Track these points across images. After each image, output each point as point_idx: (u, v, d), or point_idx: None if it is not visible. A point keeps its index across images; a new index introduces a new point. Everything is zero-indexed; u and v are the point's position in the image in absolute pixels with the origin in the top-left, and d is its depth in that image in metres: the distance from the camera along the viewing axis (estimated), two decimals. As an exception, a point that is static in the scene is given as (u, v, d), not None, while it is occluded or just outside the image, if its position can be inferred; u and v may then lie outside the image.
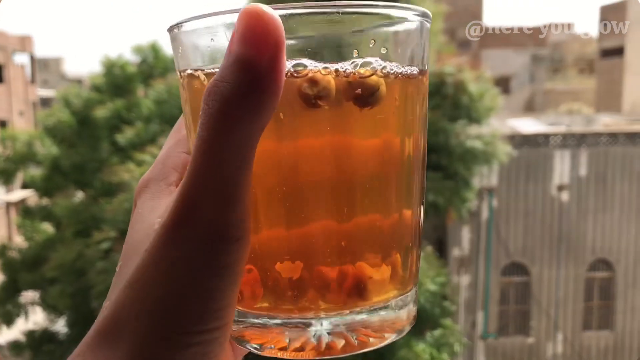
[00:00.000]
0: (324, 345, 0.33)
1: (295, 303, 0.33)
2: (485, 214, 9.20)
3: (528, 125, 10.52)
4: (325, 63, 0.31)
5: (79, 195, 8.72)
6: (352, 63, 0.31)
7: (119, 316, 0.32)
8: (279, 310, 0.34)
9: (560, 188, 9.32)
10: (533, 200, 9.33)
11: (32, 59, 21.48)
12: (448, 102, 6.55)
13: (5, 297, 8.25)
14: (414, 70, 0.34)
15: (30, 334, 8.27)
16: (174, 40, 0.35)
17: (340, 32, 0.31)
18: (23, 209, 9.30)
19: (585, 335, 9.73)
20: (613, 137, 9.39)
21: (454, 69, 6.59)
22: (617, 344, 9.77)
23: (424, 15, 0.34)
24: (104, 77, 8.80)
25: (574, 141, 9.35)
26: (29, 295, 8.57)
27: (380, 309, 0.35)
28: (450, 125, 6.52)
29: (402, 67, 0.33)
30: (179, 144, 0.40)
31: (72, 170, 8.36)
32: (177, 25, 0.34)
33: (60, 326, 8.59)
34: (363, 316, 0.34)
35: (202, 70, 0.33)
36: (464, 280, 9.35)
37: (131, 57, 9.01)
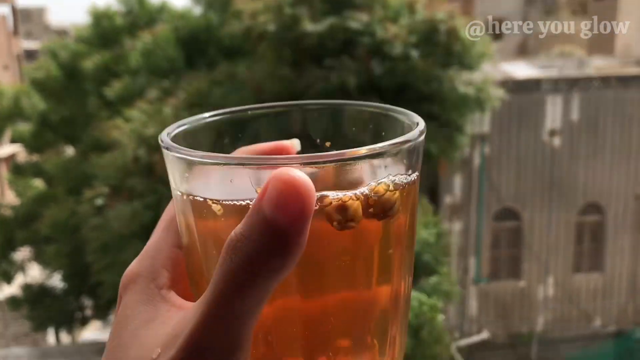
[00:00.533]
0: None
1: None
2: (477, 160, 9.22)
3: (520, 69, 10.43)
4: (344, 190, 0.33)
5: (69, 151, 8.66)
6: (368, 186, 0.33)
7: None
8: None
9: (552, 133, 9.32)
10: (525, 146, 9.34)
11: (14, 10, 20.95)
12: (440, 49, 6.46)
13: (0, 255, 8.29)
14: (416, 175, 0.37)
15: (27, 289, 8.36)
16: (175, 161, 0.35)
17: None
18: (13, 165, 9.24)
19: (575, 277, 9.92)
20: (605, 81, 9.33)
21: (445, 16, 6.47)
22: (607, 286, 9.98)
23: (424, 128, 0.37)
24: (91, 28, 8.60)
25: (566, 86, 9.29)
26: (24, 252, 8.61)
27: None
28: (442, 72, 6.45)
29: (408, 175, 0.36)
30: (169, 233, 0.39)
31: (60, 125, 8.27)
32: (183, 152, 0.34)
33: (57, 281, 8.67)
34: None
35: (218, 201, 0.33)
36: (456, 226, 9.44)
37: (116, 7, 8.79)
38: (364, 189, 0.33)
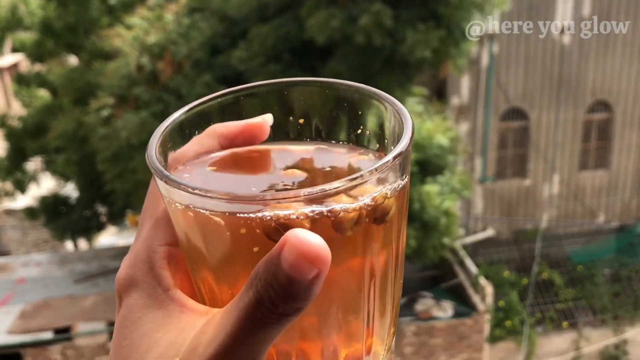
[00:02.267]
0: None
1: None
2: (485, 60, 9.07)
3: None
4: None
5: (72, 60, 8.56)
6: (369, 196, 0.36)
7: None
8: None
9: (562, 30, 9.09)
10: (534, 44, 9.14)
11: None
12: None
13: (12, 166, 8.40)
14: (407, 177, 0.39)
15: (43, 200, 8.53)
16: (185, 199, 0.36)
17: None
18: (16, 75, 9.16)
19: (581, 175, 10.00)
20: (620, -27, 8.98)
21: None
22: (612, 182, 10.07)
23: (412, 131, 0.39)
24: None
25: (579, -21, 8.96)
26: (36, 162, 8.72)
27: None
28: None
29: (402, 179, 0.38)
30: (157, 230, 0.39)
31: (63, 33, 8.12)
32: (199, 191, 0.34)
33: (70, 190, 8.84)
34: None
35: (223, 214, 0.35)
36: (463, 127, 9.43)
37: None
38: (365, 199, 0.35)
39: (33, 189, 8.83)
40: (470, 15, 5.96)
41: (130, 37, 6.48)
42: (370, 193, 0.35)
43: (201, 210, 0.35)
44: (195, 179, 0.40)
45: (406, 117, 0.39)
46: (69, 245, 11.23)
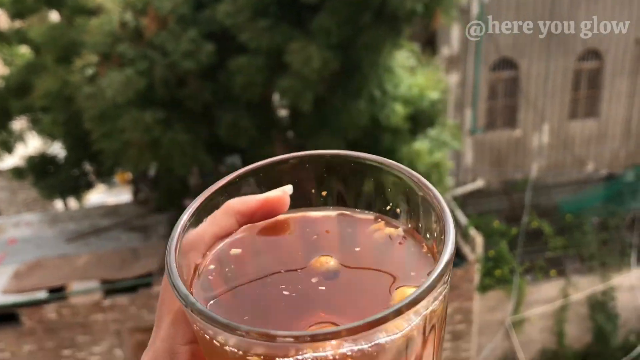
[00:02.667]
0: None
1: None
2: (475, 9, 8.93)
3: None
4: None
5: (53, 17, 8.35)
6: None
7: None
8: None
9: (554, -23, 8.93)
10: (525, -9, 9.00)
11: None
12: None
13: (-3, 126, 8.28)
14: (450, 275, 0.36)
15: (30, 159, 8.45)
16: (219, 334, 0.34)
17: None
18: (-5, 33, 8.91)
19: (570, 124, 10.01)
20: None
21: None
22: (601, 131, 10.10)
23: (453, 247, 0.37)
24: None
25: None
26: (21, 122, 8.60)
27: None
28: None
29: (446, 281, 0.35)
30: (179, 328, 0.37)
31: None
32: (230, 328, 0.33)
33: (58, 149, 8.75)
34: None
35: (258, 356, 0.33)
36: (453, 78, 9.36)
37: None
38: (415, 320, 0.33)
39: (20, 148, 8.73)
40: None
41: (112, -8, 6.31)
42: (421, 311, 0.33)
43: (232, 349, 0.33)
44: (219, 286, 0.38)
45: (446, 211, 0.37)
46: (59, 204, 11.19)
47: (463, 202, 9.40)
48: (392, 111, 6.31)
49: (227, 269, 0.39)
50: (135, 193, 9.98)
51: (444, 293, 0.35)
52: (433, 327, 0.35)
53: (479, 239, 7.94)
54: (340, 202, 0.43)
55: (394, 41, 6.20)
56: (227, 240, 0.41)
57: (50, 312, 7.15)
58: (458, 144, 7.44)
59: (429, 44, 9.23)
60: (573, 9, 9.10)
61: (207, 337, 0.34)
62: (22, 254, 7.98)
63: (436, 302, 0.34)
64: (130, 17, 6.19)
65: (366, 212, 0.42)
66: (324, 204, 0.43)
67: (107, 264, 7.52)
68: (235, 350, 0.33)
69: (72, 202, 10.60)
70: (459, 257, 7.90)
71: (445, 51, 9.22)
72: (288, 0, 5.93)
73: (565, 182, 10.10)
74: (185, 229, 0.39)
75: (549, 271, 8.96)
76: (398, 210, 0.41)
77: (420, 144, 6.71)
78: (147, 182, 9.41)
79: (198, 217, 0.40)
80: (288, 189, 0.42)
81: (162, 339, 0.37)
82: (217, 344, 0.33)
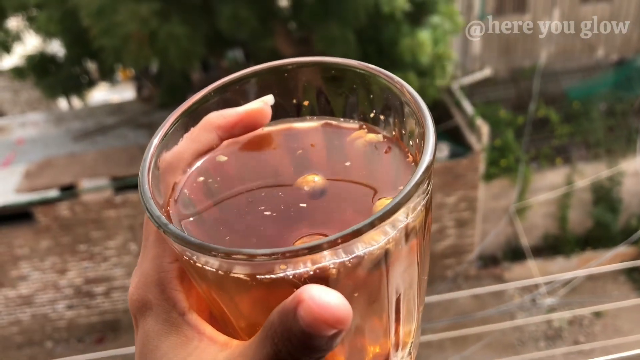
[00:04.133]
0: None
1: None
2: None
3: None
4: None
5: None
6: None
7: None
8: None
9: None
10: None
11: None
12: None
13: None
14: (430, 187, 0.35)
15: (29, 58, 8.32)
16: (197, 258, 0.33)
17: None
18: None
19: (582, 8, 9.67)
20: None
21: None
22: (613, 15, 9.77)
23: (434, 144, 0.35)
24: None
25: None
26: (17, 21, 8.38)
27: None
28: None
29: (426, 193, 0.34)
30: (164, 246, 0.37)
31: None
32: (211, 251, 0.32)
33: (57, 47, 8.60)
34: None
35: (250, 275, 0.32)
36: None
37: None
38: (392, 233, 0.32)
39: (19, 48, 8.57)
40: None
41: None
42: (398, 222, 0.32)
43: (211, 269, 0.32)
44: (199, 203, 0.37)
45: (427, 118, 0.35)
46: (63, 103, 11.14)
47: (470, 91, 9.28)
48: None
49: (208, 186, 0.38)
50: (139, 90, 9.90)
51: (423, 203, 0.34)
52: (414, 237, 0.34)
53: (485, 129, 7.92)
54: (323, 111, 0.42)
55: None
56: (207, 156, 0.39)
57: (64, 209, 7.31)
58: (458, 29, 7.22)
59: None
60: None
61: (186, 258, 0.34)
62: (31, 153, 8.05)
63: (415, 213, 0.33)
64: None
65: (350, 121, 0.41)
66: (306, 114, 0.42)
67: (115, 161, 7.59)
68: (214, 270, 0.32)
69: (76, 101, 10.55)
70: (464, 147, 7.92)
71: None
72: None
73: (575, 69, 9.91)
74: (158, 149, 0.38)
75: (554, 159, 8.99)
76: (382, 117, 0.40)
77: (423, 35, 6.53)
78: (149, 79, 9.31)
79: (174, 135, 0.39)
80: (269, 99, 0.40)
81: (150, 258, 0.37)
82: (197, 264, 0.33)
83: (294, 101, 0.42)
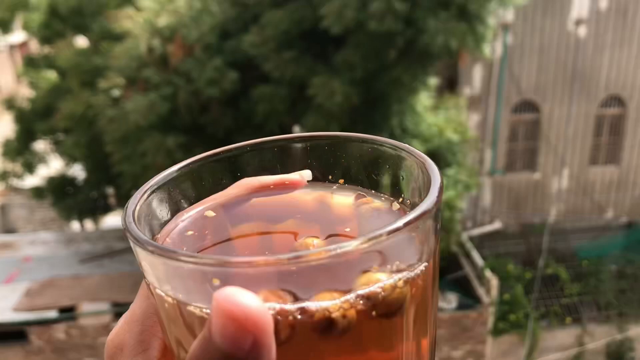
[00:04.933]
0: None
1: None
2: (498, 51, 8.96)
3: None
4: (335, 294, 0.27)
5: (80, 42, 8.52)
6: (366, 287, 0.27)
7: None
8: None
9: (578, 22, 8.96)
10: (549, 35, 9.02)
11: None
12: None
13: (21, 147, 8.40)
14: (435, 256, 0.30)
15: (50, 180, 8.54)
16: (137, 250, 0.30)
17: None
18: (26, 58, 9.13)
19: (591, 170, 9.91)
20: (639, -35, 8.83)
21: None
22: (622, 178, 9.98)
23: (439, 189, 0.31)
24: None
25: (597, -30, 8.82)
26: (44, 144, 8.72)
27: None
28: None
29: (420, 262, 0.29)
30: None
31: (70, 14, 8.08)
32: (162, 251, 0.28)
33: (78, 170, 8.85)
34: None
35: (190, 305, 0.28)
36: (474, 118, 9.35)
37: None
38: (361, 291, 0.27)
39: (42, 169, 8.84)
40: (489, 4, 5.87)
41: (141, 19, 6.43)
42: (372, 282, 0.27)
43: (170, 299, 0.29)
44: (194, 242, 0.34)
45: (434, 171, 0.32)
46: (75, 225, 11.26)
47: (480, 243, 9.30)
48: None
49: (194, 238, 0.35)
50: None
51: (416, 268, 0.29)
52: (396, 310, 0.29)
53: (494, 282, 7.82)
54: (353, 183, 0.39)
55: (421, 79, 6.23)
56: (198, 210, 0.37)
57: (59, 332, 7.13)
58: (474, 185, 7.39)
59: (451, 83, 9.26)
60: (597, 53, 9.11)
61: (151, 287, 0.30)
62: (36, 272, 8.01)
63: (401, 274, 0.28)
64: (158, 44, 6.30)
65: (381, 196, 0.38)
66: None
67: (118, 286, 7.52)
68: (170, 300, 0.29)
69: (89, 223, 10.66)
70: (473, 299, 7.79)
71: (467, 91, 9.23)
72: (313, 33, 6.00)
73: (584, 228, 9.97)
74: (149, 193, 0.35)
75: (564, 318, 8.78)
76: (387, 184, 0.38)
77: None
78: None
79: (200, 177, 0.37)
80: (306, 174, 0.39)
81: (137, 305, 0.35)
82: (160, 294, 0.29)
83: (330, 177, 0.39)
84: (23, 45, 15.43)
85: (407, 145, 0.35)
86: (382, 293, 0.27)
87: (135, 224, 0.31)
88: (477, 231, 9.53)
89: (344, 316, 0.27)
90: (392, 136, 6.25)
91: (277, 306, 0.26)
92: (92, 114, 6.79)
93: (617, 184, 9.99)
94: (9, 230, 11.14)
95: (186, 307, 0.28)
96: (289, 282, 0.27)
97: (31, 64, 8.86)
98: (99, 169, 7.92)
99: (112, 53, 6.64)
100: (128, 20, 6.56)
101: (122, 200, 9.21)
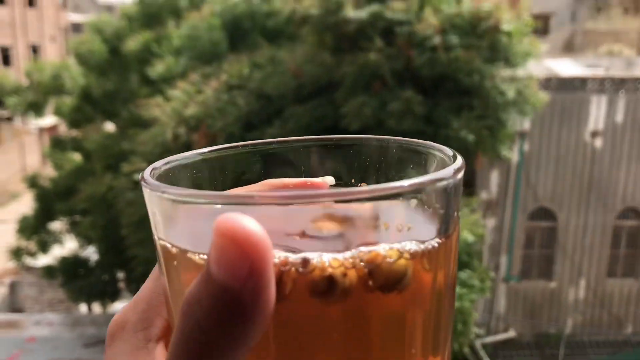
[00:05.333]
0: None
1: None
2: (515, 158, 9.08)
3: (565, 67, 10.21)
4: (335, 251, 0.26)
5: (108, 127, 8.81)
6: (368, 248, 0.26)
7: None
8: None
9: (595, 134, 9.11)
10: (565, 145, 9.16)
11: (63, -16, 21.29)
12: (484, 42, 6.36)
13: (38, 225, 8.49)
14: (448, 233, 0.29)
15: (62, 260, 8.56)
16: (153, 200, 0.29)
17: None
18: (53, 140, 9.43)
19: (608, 282, 9.73)
20: (654, 83, 9.07)
21: (491, 8, 6.35)
22: (640, 293, 9.77)
23: (457, 169, 0.29)
24: (137, 6, 8.72)
25: (612, 86, 9.05)
26: (61, 224, 8.81)
27: None
28: (485, 66, 6.34)
29: (436, 235, 0.28)
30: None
31: (101, 100, 8.41)
32: (165, 192, 0.28)
33: (91, 252, 8.87)
34: None
35: (191, 252, 0.28)
36: (490, 223, 9.33)
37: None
38: (363, 252, 0.26)
39: (55, 248, 8.88)
40: (508, 109, 6.03)
41: (169, 107, 6.66)
42: (369, 239, 0.26)
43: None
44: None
45: (457, 155, 0.31)
46: (83, 307, 11.15)
47: (493, 351, 9.01)
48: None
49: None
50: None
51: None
52: (395, 283, 0.27)
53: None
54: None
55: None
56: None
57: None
58: (487, 289, 7.26)
59: (468, 187, 9.33)
60: (614, 165, 9.18)
61: (155, 234, 0.29)
62: (38, 354, 7.85)
63: (403, 242, 0.27)
64: (183, 132, 6.49)
65: None
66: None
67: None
68: (176, 251, 0.27)
69: (97, 307, 10.55)
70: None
71: (483, 195, 9.28)
72: (334, 128, 6.16)
73: (602, 342, 9.64)
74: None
75: None
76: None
77: None
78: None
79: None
80: (330, 180, 0.37)
81: (146, 285, 0.34)
82: (168, 247, 0.28)
83: (353, 180, 0.38)
84: (52, 128, 15.94)
85: (436, 144, 0.35)
86: (386, 259, 0.26)
87: (150, 176, 0.31)
88: (490, 339, 9.26)
89: (344, 274, 0.26)
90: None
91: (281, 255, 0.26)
92: (112, 197, 6.90)
93: (636, 298, 9.76)
94: (16, 308, 11.04)
95: (194, 257, 0.27)
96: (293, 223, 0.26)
97: (58, 145, 9.12)
98: (112, 252, 7.94)
99: (138, 139, 6.84)
100: (157, 109, 6.79)
101: (132, 285, 9.16)
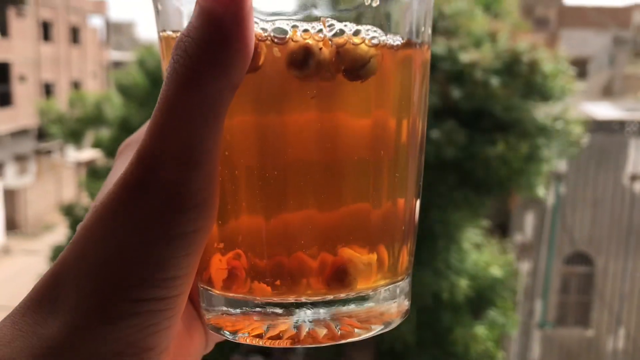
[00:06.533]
0: (303, 334, 0.31)
1: (274, 289, 0.31)
2: (551, 200, 8.90)
3: (604, 111, 10.06)
4: (309, 25, 0.28)
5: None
6: (341, 29, 0.28)
7: (59, 275, 0.28)
8: (257, 296, 0.32)
9: (634, 178, 8.90)
10: (603, 188, 8.96)
11: (107, 22, 22.02)
12: (520, 81, 6.31)
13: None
14: (414, 41, 0.31)
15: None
16: None
17: None
18: (90, 169, 9.57)
19: (650, 330, 9.37)
20: (695, 127, 8.87)
21: (528, 47, 6.32)
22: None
23: None
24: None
25: (652, 129, 8.89)
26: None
27: (366, 299, 0.32)
28: (522, 102, 6.29)
29: (400, 37, 0.30)
30: None
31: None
32: None
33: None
34: (349, 306, 0.32)
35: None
36: (525, 266, 9.11)
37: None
38: (334, 33, 0.28)
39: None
40: (545, 144, 5.95)
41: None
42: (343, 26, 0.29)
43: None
44: None
45: None
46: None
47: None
48: (455, 286, 6.13)
49: None
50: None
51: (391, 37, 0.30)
52: (359, 68, 0.29)
53: None
54: None
55: (473, 208, 6.20)
56: None
57: None
58: (513, 329, 7.07)
59: (502, 229, 9.15)
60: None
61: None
62: None
63: (370, 32, 0.29)
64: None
65: None
66: None
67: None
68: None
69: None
70: None
71: (518, 237, 9.09)
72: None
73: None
74: None
75: None
76: None
77: (480, 329, 6.43)
78: None
79: None
80: None
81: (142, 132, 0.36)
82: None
83: None
84: (89, 162, 16.27)
85: None
86: (352, 42, 0.28)
87: None
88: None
89: (320, 48, 0.27)
90: (435, 271, 6.12)
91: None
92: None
93: (679, 350, 9.35)
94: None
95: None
96: None
97: (94, 174, 9.24)
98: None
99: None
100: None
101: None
